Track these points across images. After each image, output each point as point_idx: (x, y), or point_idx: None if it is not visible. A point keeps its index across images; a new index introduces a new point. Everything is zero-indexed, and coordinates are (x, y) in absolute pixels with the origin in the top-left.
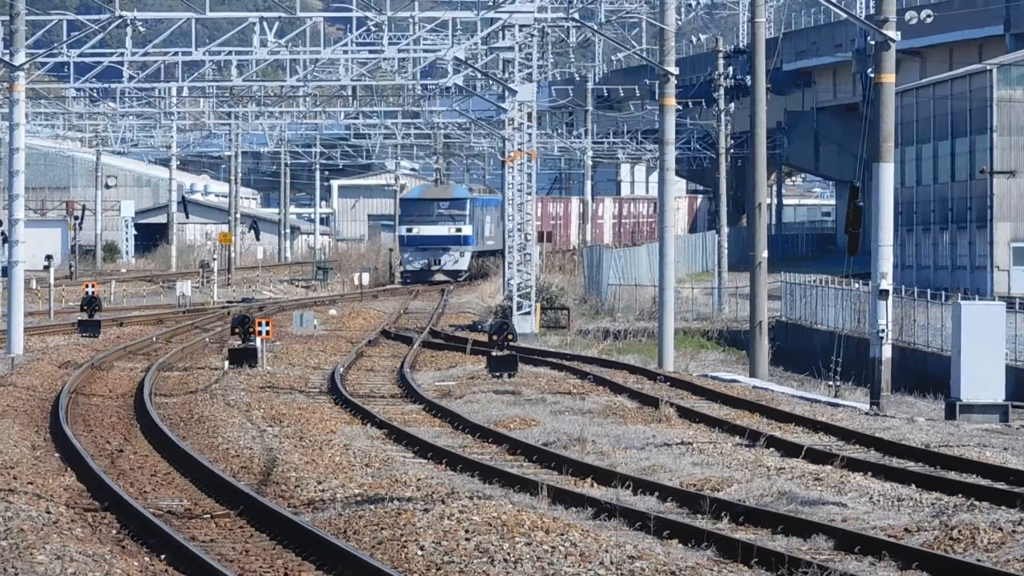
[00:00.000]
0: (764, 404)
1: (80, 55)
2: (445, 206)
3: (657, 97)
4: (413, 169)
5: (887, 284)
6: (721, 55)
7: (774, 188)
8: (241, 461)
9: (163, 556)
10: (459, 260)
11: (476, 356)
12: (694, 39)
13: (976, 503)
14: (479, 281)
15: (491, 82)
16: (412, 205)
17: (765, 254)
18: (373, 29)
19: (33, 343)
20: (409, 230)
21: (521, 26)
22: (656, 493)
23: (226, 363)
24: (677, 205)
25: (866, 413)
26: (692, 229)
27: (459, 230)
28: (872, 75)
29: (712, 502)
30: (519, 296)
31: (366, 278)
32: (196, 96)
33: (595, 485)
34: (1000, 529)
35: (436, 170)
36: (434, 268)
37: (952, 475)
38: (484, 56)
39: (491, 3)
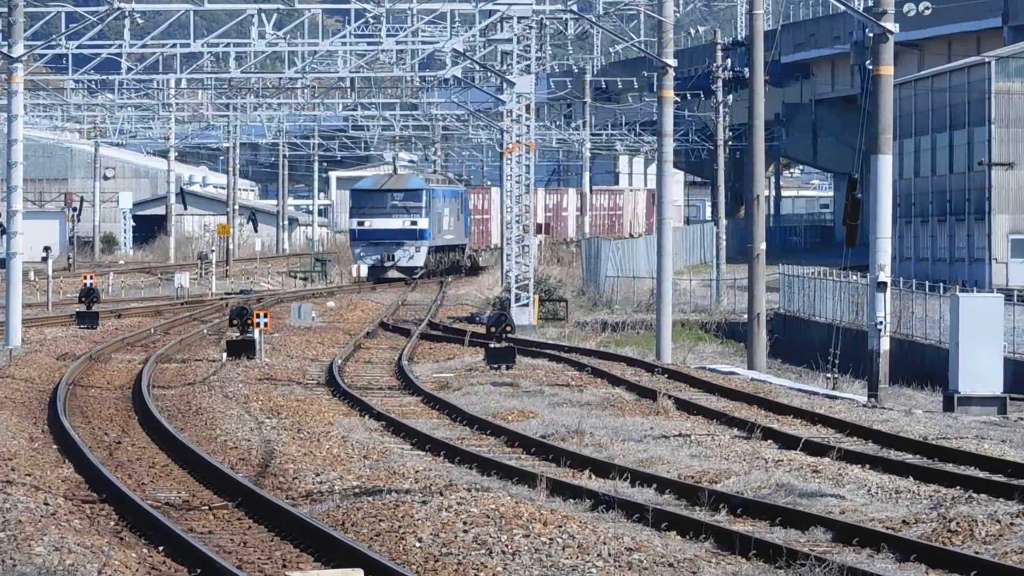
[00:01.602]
0: (762, 396)
1: (78, 47)
2: (399, 198)
3: (655, 89)
4: (411, 161)
5: (885, 276)
6: (719, 47)
7: (772, 180)
8: (239, 453)
9: (161, 548)
10: (414, 256)
11: (474, 348)
12: (692, 31)
13: (974, 495)
14: (434, 279)
15: (489, 74)
16: (363, 196)
17: (763, 246)
18: (371, 21)
19: (31, 335)
20: (360, 223)
21: (519, 18)
22: (654, 485)
23: (224, 355)
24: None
25: (864, 405)
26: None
27: (414, 223)
28: (870, 67)
29: (710, 494)
30: (517, 288)
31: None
32: (194, 88)
33: (593, 477)
34: (998, 521)
35: (433, 161)
36: (387, 264)
37: (950, 467)
38: (482, 48)
39: None
